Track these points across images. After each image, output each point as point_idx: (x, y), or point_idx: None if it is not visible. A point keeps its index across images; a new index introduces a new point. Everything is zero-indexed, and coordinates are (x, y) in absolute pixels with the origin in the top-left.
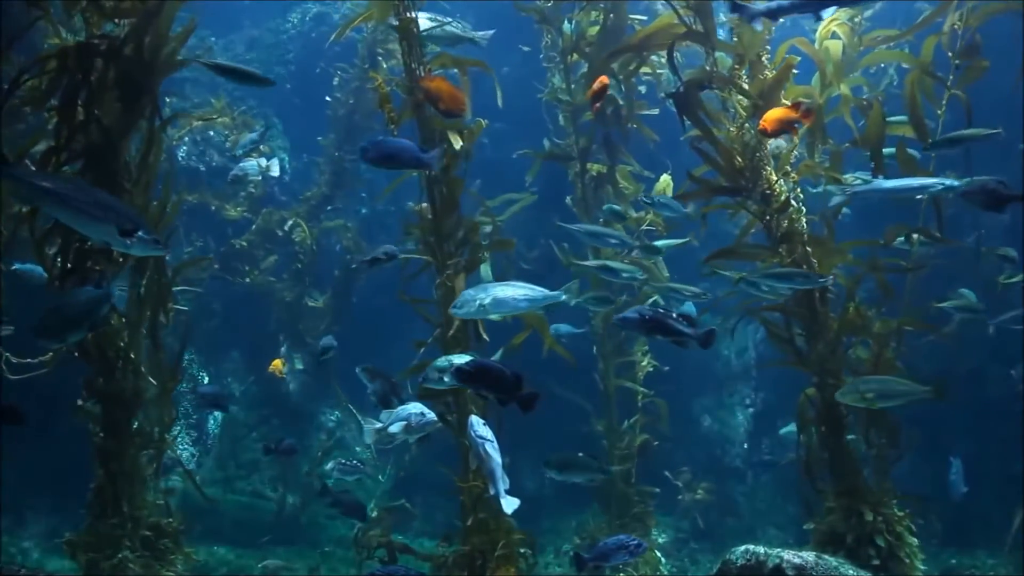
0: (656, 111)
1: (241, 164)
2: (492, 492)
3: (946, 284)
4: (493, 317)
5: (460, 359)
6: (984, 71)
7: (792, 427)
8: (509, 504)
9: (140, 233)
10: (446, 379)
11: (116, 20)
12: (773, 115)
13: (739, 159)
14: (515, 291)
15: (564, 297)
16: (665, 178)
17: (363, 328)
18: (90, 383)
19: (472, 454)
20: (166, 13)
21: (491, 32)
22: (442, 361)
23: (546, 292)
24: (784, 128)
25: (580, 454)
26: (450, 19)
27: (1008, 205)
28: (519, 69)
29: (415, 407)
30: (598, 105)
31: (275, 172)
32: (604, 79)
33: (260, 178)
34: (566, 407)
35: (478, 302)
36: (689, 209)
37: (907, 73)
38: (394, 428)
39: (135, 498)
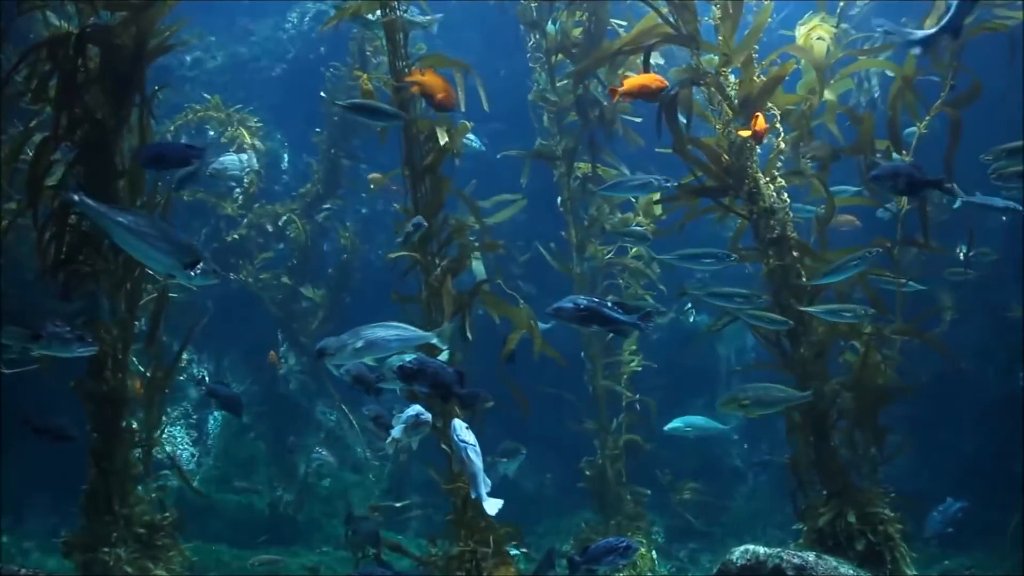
0: (639, 119)
1: (220, 159)
2: (474, 495)
3: (935, 289)
4: (367, 361)
5: (411, 359)
6: (977, 97)
7: (677, 424)
8: (492, 506)
9: (201, 265)
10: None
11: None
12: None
13: (726, 157)
14: (387, 332)
15: (436, 339)
16: None
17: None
18: (81, 382)
19: (454, 458)
20: (158, 6)
21: (440, 16)
22: (397, 361)
23: (419, 332)
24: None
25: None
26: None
27: (922, 189)
28: (517, 70)
29: (415, 408)
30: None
31: (254, 164)
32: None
33: (240, 173)
34: (560, 408)
35: (349, 347)
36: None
37: (891, 85)
38: (395, 431)
39: (127, 496)
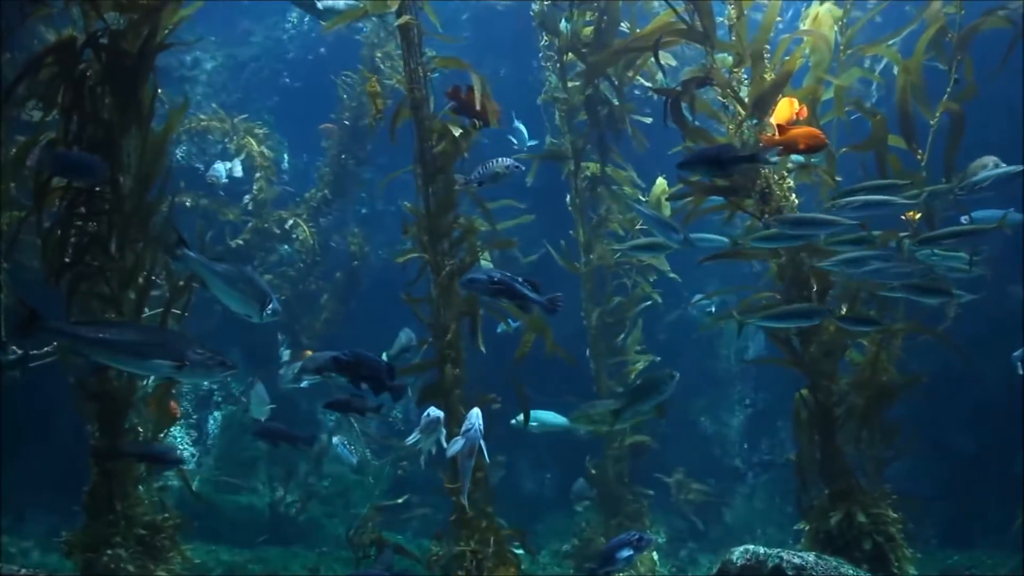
0: (650, 120)
1: (214, 165)
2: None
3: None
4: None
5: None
6: (975, 93)
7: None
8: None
9: (272, 305)
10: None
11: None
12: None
13: None
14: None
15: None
16: (661, 181)
17: (361, 329)
18: (82, 382)
19: (464, 450)
20: (170, 10)
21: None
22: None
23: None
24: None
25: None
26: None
27: (736, 166)
28: (517, 70)
29: (427, 409)
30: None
31: (238, 172)
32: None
33: (227, 180)
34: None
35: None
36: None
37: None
38: (412, 437)
39: (129, 497)
